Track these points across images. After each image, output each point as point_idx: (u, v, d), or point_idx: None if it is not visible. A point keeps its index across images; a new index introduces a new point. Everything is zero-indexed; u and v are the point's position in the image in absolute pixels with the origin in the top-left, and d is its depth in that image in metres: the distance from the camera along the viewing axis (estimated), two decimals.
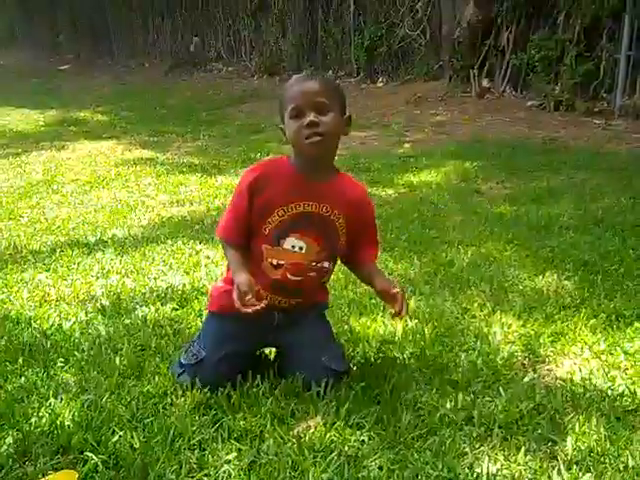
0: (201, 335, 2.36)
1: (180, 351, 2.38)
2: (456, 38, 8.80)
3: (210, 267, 3.38)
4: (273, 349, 2.44)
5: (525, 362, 2.42)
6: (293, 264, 2.22)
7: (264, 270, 2.24)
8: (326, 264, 2.28)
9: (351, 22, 10.60)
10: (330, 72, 11.01)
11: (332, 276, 3.08)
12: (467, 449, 1.92)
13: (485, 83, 8.70)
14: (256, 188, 2.20)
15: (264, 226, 2.21)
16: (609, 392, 2.20)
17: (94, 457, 1.87)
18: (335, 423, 2.02)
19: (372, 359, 2.43)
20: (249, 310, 2.05)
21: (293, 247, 2.21)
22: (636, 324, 2.67)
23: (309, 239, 2.21)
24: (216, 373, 2.21)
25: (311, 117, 2.08)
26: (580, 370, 2.35)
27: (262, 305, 2.06)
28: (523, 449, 1.90)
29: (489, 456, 1.88)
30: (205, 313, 2.54)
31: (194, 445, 1.95)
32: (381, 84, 10.11)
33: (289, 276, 2.23)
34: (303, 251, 2.22)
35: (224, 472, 1.83)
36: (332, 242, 2.25)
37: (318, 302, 2.39)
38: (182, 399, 2.17)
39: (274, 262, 2.23)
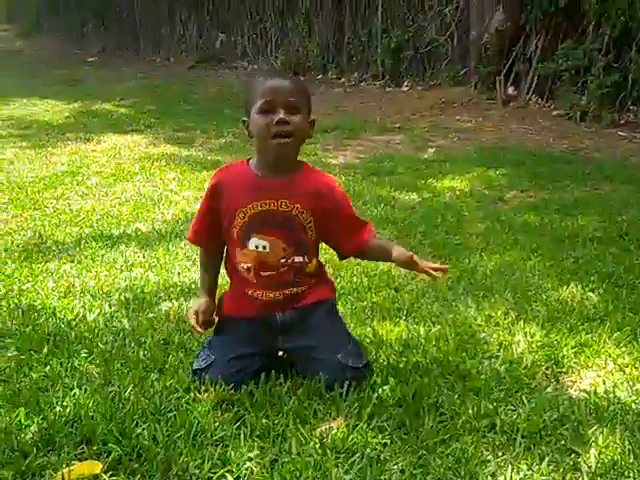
0: (211, 340, 2.38)
1: (194, 357, 2.38)
2: (483, 44, 8.76)
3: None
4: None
5: (548, 372, 2.41)
6: (259, 263, 2.25)
7: (242, 273, 2.29)
8: (297, 259, 2.28)
9: (378, 25, 10.57)
10: (356, 74, 11.00)
11: (354, 278, 3.13)
12: (489, 457, 1.91)
13: (511, 91, 8.65)
14: (215, 195, 2.29)
15: (232, 230, 2.26)
16: (633, 406, 2.18)
17: (118, 449, 1.88)
18: (357, 425, 2.03)
19: (395, 363, 2.43)
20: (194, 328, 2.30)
21: (257, 247, 2.25)
22: None
23: (272, 237, 2.24)
24: (227, 375, 2.22)
25: (281, 115, 2.11)
26: (604, 382, 2.33)
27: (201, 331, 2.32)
28: (546, 459, 1.89)
29: (512, 465, 1.87)
30: None
31: (217, 441, 1.96)
32: (406, 88, 10.08)
33: (261, 273, 2.27)
34: (267, 250, 2.24)
35: (246, 469, 1.84)
36: (297, 237, 2.26)
37: (320, 300, 2.37)
38: (205, 395, 2.19)
39: (244, 266, 2.27)
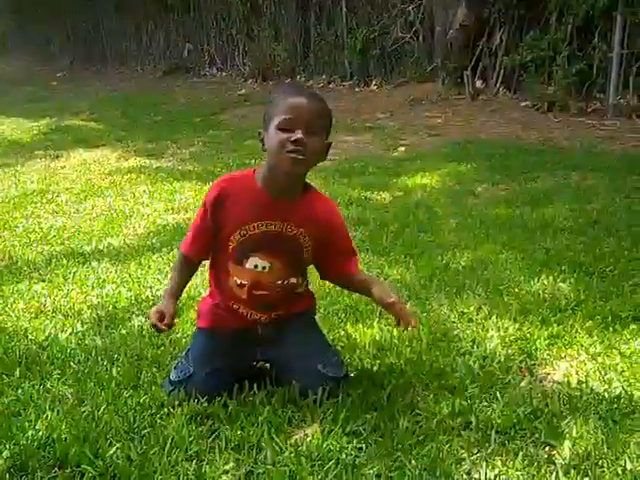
0: (189, 352, 2.35)
1: (169, 369, 2.36)
2: (449, 40, 8.81)
3: (205, 275, 3.35)
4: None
5: (522, 366, 2.42)
6: (256, 283, 2.22)
7: (232, 287, 2.25)
8: (293, 280, 2.26)
9: (343, 25, 10.60)
10: (324, 76, 11.01)
11: (327, 282, 3.13)
12: (465, 455, 1.92)
13: (479, 84, 8.71)
14: (218, 204, 2.19)
15: (228, 243, 2.20)
16: (606, 395, 2.20)
17: (91, 470, 1.87)
18: (332, 431, 2.02)
19: (369, 365, 2.43)
20: (155, 326, 2.19)
21: (256, 267, 2.21)
22: (632, 325, 2.67)
23: (273, 259, 2.20)
24: (205, 388, 2.20)
25: (299, 135, 2.03)
26: (577, 373, 2.35)
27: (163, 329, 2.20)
28: (521, 454, 1.90)
29: (487, 462, 1.88)
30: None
31: (192, 456, 1.95)
32: (375, 87, 10.11)
33: (254, 292, 2.23)
34: (266, 270, 2.21)
35: None
36: (297, 259, 2.24)
37: (303, 310, 2.36)
38: (179, 409, 2.17)
39: (238, 281, 2.24)
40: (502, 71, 8.49)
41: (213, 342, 2.31)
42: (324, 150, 2.17)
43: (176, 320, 2.33)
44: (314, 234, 2.22)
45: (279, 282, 2.23)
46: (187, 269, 2.36)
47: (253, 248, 2.19)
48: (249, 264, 2.20)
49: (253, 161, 6.00)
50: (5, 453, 1.95)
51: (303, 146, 2.04)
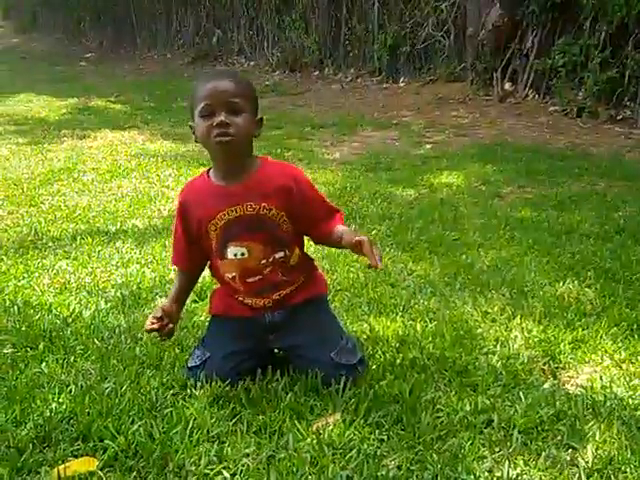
0: (204, 338, 2.37)
1: (190, 353, 2.37)
2: (480, 40, 8.75)
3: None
4: None
5: (545, 368, 2.41)
6: (243, 270, 2.23)
7: (228, 282, 2.28)
8: (279, 255, 2.24)
9: (375, 20, 10.57)
10: (352, 70, 11.00)
11: (351, 274, 3.13)
12: (486, 452, 1.91)
13: (508, 86, 8.65)
14: (184, 212, 2.25)
15: (210, 242, 2.23)
16: (630, 401, 2.18)
17: (114, 445, 1.88)
18: (354, 421, 2.03)
19: (391, 359, 2.42)
20: (148, 330, 2.20)
21: (235, 255, 2.22)
22: None
23: (247, 242, 2.20)
24: (223, 371, 2.22)
25: (222, 117, 2.05)
26: (601, 378, 2.33)
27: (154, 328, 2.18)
28: (543, 455, 1.89)
29: (509, 460, 1.87)
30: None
31: (213, 437, 1.96)
32: (403, 84, 10.08)
33: (247, 280, 2.24)
34: (246, 256, 2.21)
35: (243, 465, 1.84)
36: (274, 234, 2.22)
37: (309, 298, 2.34)
38: (201, 391, 2.18)
39: (229, 275, 2.25)
40: (532, 74, 8.43)
41: (226, 327, 2.33)
42: (254, 126, 2.18)
43: (175, 325, 2.31)
44: (280, 204, 2.20)
45: (263, 262, 2.22)
46: (184, 278, 2.40)
47: (227, 239, 2.20)
48: (230, 254, 2.22)
49: (279, 150, 6.02)
50: (29, 424, 1.97)
51: (226, 128, 2.06)
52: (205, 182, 2.25)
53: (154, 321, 2.18)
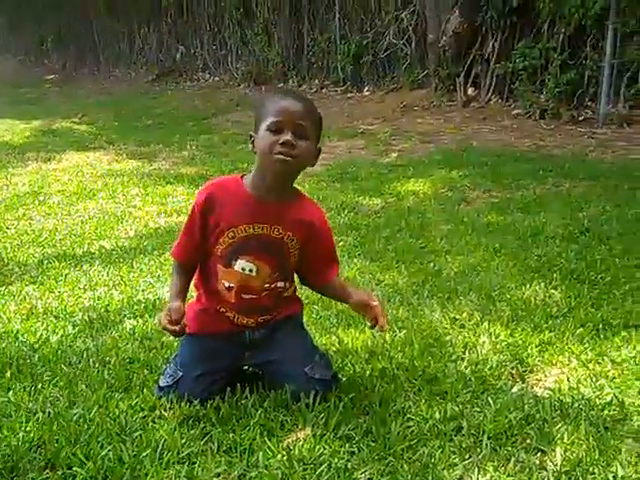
0: (177, 357, 2.35)
1: (160, 372, 2.36)
2: (441, 47, 8.83)
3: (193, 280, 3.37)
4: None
5: (513, 372, 2.43)
6: (243, 286, 2.22)
7: (220, 291, 2.25)
8: (280, 284, 2.26)
9: (336, 31, 10.62)
10: (317, 81, 11.04)
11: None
12: (457, 460, 1.92)
13: (471, 92, 8.74)
14: (206, 209, 2.19)
15: (217, 246, 2.21)
16: (597, 401, 2.20)
17: (83, 472, 1.86)
18: (324, 435, 2.03)
19: (361, 370, 2.43)
20: (165, 328, 2.15)
21: (243, 269, 2.20)
22: (623, 333, 2.68)
23: (260, 262, 2.20)
24: (195, 391, 2.21)
25: (288, 137, 2.05)
26: (568, 379, 2.35)
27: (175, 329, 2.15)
28: (512, 460, 1.91)
29: (478, 467, 1.88)
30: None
31: (183, 459, 1.94)
32: (367, 93, 10.13)
33: (243, 296, 2.23)
34: (254, 273, 2.21)
35: None
36: (285, 263, 2.24)
37: (290, 315, 2.36)
38: (171, 412, 2.17)
39: (226, 284, 2.23)
40: (494, 79, 8.52)
41: (201, 347, 2.30)
42: (313, 154, 2.18)
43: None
44: (301, 239, 2.22)
45: (266, 285, 2.23)
46: (182, 273, 2.33)
47: (241, 251, 2.19)
48: (237, 266, 2.20)
49: (245, 165, 6.01)
50: None
51: (291, 148, 2.06)
52: (238, 186, 2.21)
53: (171, 320, 2.14)
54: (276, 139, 2.06)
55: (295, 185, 2.27)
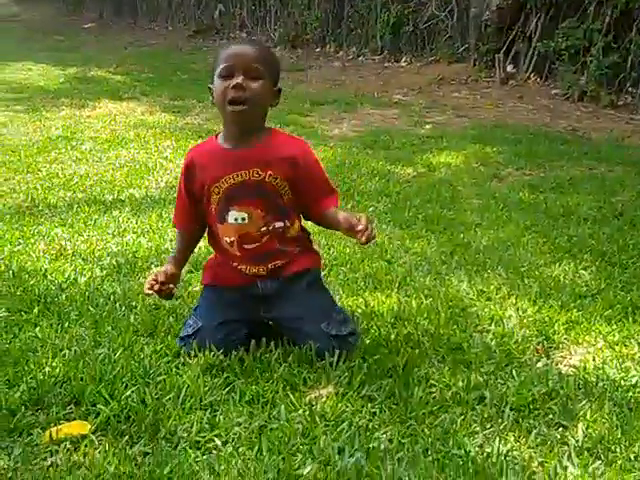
0: (197, 308, 2.37)
1: (180, 327, 2.37)
2: (484, 21, 8.71)
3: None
4: None
5: (539, 347, 2.41)
6: (242, 236, 2.23)
7: (226, 248, 2.28)
8: (278, 224, 2.25)
9: None
10: (354, 49, 10.94)
11: (347, 249, 3.12)
12: (478, 428, 1.92)
13: (510, 69, 8.61)
14: (189, 175, 2.26)
15: (210, 206, 2.24)
16: (622, 382, 2.18)
17: (106, 410, 1.88)
18: (347, 394, 2.03)
19: (386, 334, 2.43)
20: (146, 293, 2.22)
21: (236, 220, 2.22)
22: None
23: (249, 207, 2.21)
24: (216, 339, 2.22)
25: (239, 80, 2.07)
26: (594, 359, 2.33)
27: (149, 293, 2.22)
28: (534, 432, 1.90)
29: (500, 437, 1.87)
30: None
31: (205, 405, 1.97)
32: (405, 63, 10.02)
33: (245, 246, 2.24)
34: (246, 221, 2.22)
35: (235, 434, 1.84)
36: (274, 203, 2.23)
37: (304, 270, 2.34)
38: (194, 360, 2.19)
39: (227, 240, 2.25)
40: (535, 57, 8.39)
41: (218, 297, 2.34)
42: (271, 95, 2.20)
43: (175, 287, 2.31)
44: (286, 174, 2.21)
45: (263, 229, 2.23)
46: (182, 239, 2.41)
47: (229, 202, 2.21)
48: (230, 219, 2.22)
49: (278, 125, 5.97)
50: (22, 387, 1.97)
51: (242, 90, 2.08)
52: (213, 145, 2.27)
53: (153, 283, 2.19)
54: (227, 84, 2.09)
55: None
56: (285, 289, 2.30)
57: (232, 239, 2.24)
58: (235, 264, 2.28)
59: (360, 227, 2.06)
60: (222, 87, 2.10)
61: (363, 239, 2.05)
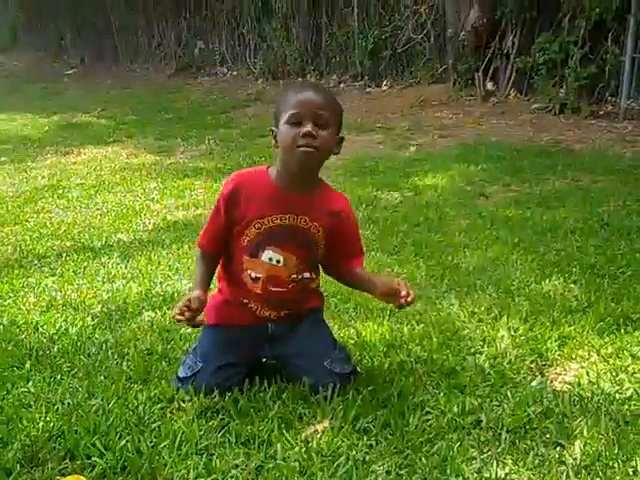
0: (197, 348, 2.35)
1: (178, 365, 2.36)
2: (460, 41, 8.79)
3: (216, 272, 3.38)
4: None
5: (532, 366, 2.42)
6: (271, 277, 2.23)
7: (245, 282, 2.25)
8: (307, 275, 2.27)
9: (355, 26, 10.59)
10: (335, 76, 11.02)
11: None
12: (475, 453, 1.91)
13: (490, 86, 8.69)
14: (232, 201, 2.21)
15: (242, 237, 2.21)
16: (617, 396, 2.19)
17: (102, 462, 1.87)
18: (343, 427, 2.03)
19: (379, 363, 2.43)
20: (178, 319, 2.12)
21: (271, 260, 2.22)
22: None
23: (287, 252, 2.21)
24: (214, 383, 2.21)
25: (309, 128, 2.06)
26: (588, 374, 2.34)
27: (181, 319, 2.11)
28: (532, 454, 1.90)
29: (497, 460, 1.87)
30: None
31: (201, 450, 1.95)
32: (385, 87, 10.10)
33: (270, 288, 2.24)
34: (281, 264, 2.22)
35: (232, 477, 1.84)
36: (311, 254, 2.25)
37: (311, 308, 2.37)
38: (189, 404, 2.18)
39: (252, 275, 2.24)
40: (513, 73, 8.47)
41: (222, 338, 2.31)
42: (335, 144, 2.19)
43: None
44: (328, 229, 2.23)
45: (293, 276, 2.23)
46: (206, 263, 2.33)
47: (268, 241, 2.20)
48: (264, 257, 2.21)
49: (264, 159, 6.00)
50: (16, 445, 1.96)
51: (313, 138, 2.07)
52: (264, 179, 2.23)
53: (184, 310, 2.10)
54: (297, 131, 2.07)
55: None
56: (291, 326, 2.31)
57: (259, 276, 2.23)
58: (246, 302, 2.27)
59: (403, 292, 2.09)
60: (292, 133, 2.07)
61: (404, 301, 2.10)
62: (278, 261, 2.21)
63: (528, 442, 1.96)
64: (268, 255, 2.21)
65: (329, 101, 2.16)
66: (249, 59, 12.90)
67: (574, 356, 2.48)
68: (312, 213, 2.20)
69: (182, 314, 2.11)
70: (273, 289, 2.24)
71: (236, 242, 2.24)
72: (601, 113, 7.48)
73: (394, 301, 2.15)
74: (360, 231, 2.42)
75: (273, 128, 2.19)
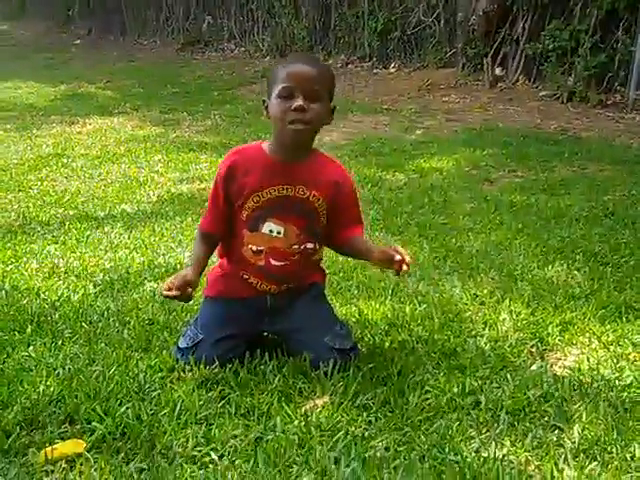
0: (197, 319, 2.36)
1: (178, 336, 2.36)
2: (471, 26, 8.74)
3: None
4: None
5: (533, 350, 2.42)
6: (272, 249, 2.23)
7: (246, 256, 2.25)
8: (309, 245, 2.27)
9: (365, 6, 10.52)
10: (343, 56, 10.95)
11: (341, 258, 3.12)
12: (474, 433, 1.92)
13: (498, 72, 8.64)
14: (229, 177, 2.22)
15: (242, 212, 2.22)
16: (617, 383, 2.19)
17: (101, 427, 1.88)
18: (342, 403, 2.03)
19: (380, 341, 2.43)
20: (165, 295, 2.13)
21: (271, 231, 2.22)
22: None
23: (287, 223, 2.22)
24: (215, 354, 2.21)
25: (300, 101, 2.06)
26: (588, 360, 2.34)
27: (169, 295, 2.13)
28: (530, 435, 1.90)
29: (496, 441, 1.88)
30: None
31: (201, 419, 1.96)
32: (393, 70, 10.04)
33: (272, 262, 2.24)
34: (282, 235, 2.22)
35: (230, 447, 1.84)
36: (312, 223, 2.25)
37: (312, 284, 2.37)
38: (189, 374, 2.18)
39: (254, 248, 2.24)
40: (522, 59, 8.42)
41: (222, 310, 2.32)
42: (328, 114, 2.20)
43: (194, 290, 2.22)
44: (327, 198, 2.23)
45: (295, 247, 2.23)
46: (207, 243, 2.33)
47: (267, 214, 2.21)
48: (264, 229, 2.22)
49: (268, 136, 5.94)
50: (16, 407, 1.97)
51: (304, 113, 2.07)
52: (259, 152, 2.24)
53: (171, 286, 2.12)
54: (288, 105, 2.08)
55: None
56: (292, 301, 2.31)
57: (261, 248, 2.23)
58: (246, 276, 2.27)
59: (397, 257, 2.07)
60: (282, 107, 2.08)
61: (399, 267, 2.07)
62: (279, 232, 2.22)
63: (527, 424, 1.96)
64: (269, 227, 2.22)
65: (320, 72, 2.16)
66: (257, 36, 12.82)
67: (575, 342, 2.48)
68: (309, 182, 2.20)
69: (169, 289, 2.13)
70: (276, 263, 2.24)
71: (236, 217, 2.24)
72: (609, 103, 7.43)
73: (390, 266, 2.12)
74: (360, 204, 2.40)
75: (264, 99, 2.20)
